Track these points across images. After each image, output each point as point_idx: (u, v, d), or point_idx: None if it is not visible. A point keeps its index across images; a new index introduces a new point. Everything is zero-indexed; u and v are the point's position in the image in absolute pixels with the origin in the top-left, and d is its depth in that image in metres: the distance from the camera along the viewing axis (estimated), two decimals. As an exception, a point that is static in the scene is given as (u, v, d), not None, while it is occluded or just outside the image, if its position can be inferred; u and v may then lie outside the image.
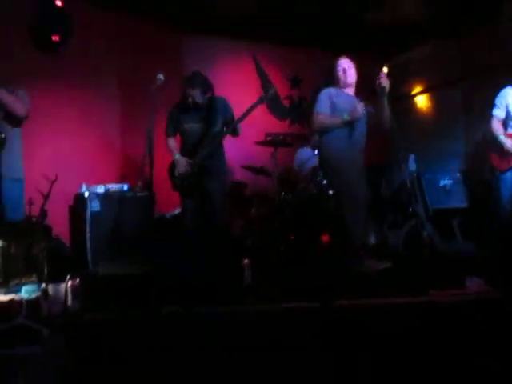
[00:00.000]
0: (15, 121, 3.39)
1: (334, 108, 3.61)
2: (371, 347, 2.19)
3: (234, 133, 3.85)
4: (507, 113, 3.87)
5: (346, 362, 2.15)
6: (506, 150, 3.79)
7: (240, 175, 5.19)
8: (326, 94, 3.65)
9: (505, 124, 3.90)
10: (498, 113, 3.90)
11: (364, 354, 2.16)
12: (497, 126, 3.88)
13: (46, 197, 3.67)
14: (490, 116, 3.92)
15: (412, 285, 2.87)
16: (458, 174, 4.62)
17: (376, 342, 2.21)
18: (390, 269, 3.49)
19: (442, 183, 4.63)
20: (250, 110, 3.70)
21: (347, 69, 3.63)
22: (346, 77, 3.61)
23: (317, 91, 3.80)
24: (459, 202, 4.53)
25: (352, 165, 3.58)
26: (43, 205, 3.63)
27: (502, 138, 3.84)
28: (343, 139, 3.57)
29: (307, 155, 4.79)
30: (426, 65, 5.75)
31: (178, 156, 3.77)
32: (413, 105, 6.05)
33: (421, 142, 5.33)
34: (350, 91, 3.69)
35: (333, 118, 3.58)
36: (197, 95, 3.68)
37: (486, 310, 2.38)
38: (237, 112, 3.86)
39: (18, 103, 3.34)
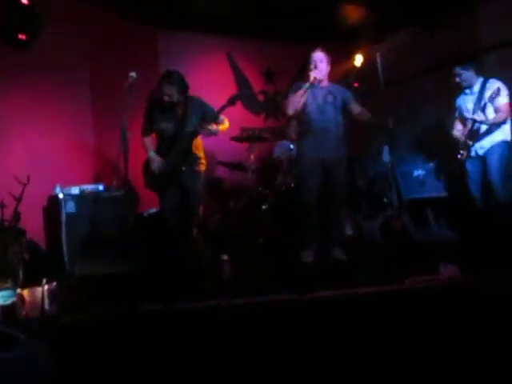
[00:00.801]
0: None
1: (304, 103, 3.65)
2: (351, 336, 2.23)
3: (210, 134, 3.84)
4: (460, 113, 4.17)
5: (327, 351, 2.18)
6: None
7: (217, 170, 5.19)
8: (297, 87, 3.70)
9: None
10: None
11: (344, 343, 2.20)
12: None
13: (19, 199, 3.60)
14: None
15: (388, 273, 2.93)
16: (431, 164, 4.72)
17: (355, 330, 2.25)
18: (367, 258, 3.55)
19: (415, 174, 4.73)
20: (221, 110, 3.71)
21: (318, 62, 3.66)
22: (316, 71, 3.62)
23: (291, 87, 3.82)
24: (433, 191, 4.64)
25: (307, 156, 3.66)
26: (16, 208, 3.56)
27: (454, 132, 4.15)
28: (309, 131, 3.67)
29: (284, 148, 4.82)
30: (399, 54, 5.82)
31: (152, 153, 3.73)
32: (386, 95, 6.11)
33: (394, 133, 5.40)
34: (323, 83, 3.73)
35: (297, 92, 3.63)
36: (174, 93, 3.64)
37: (459, 295, 2.45)
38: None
39: None
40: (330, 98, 3.69)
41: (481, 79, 4.04)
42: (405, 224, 3.96)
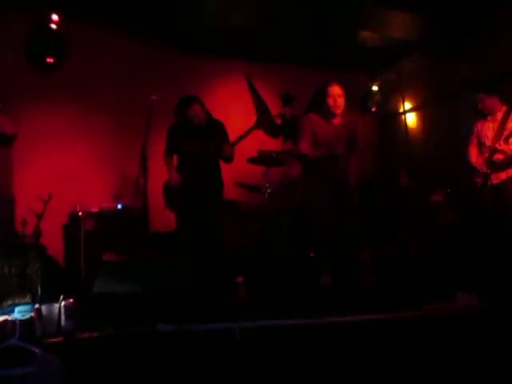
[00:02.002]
0: (4, 140, 3.39)
1: (315, 137, 3.66)
2: (366, 361, 2.20)
3: (227, 160, 3.89)
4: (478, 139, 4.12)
5: (340, 377, 2.16)
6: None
7: (234, 192, 5.23)
8: (308, 122, 3.72)
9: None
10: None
11: (359, 368, 2.18)
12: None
13: (40, 216, 3.68)
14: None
15: (405, 299, 2.89)
16: (449, 191, 4.68)
17: (369, 356, 2.23)
18: (384, 283, 3.51)
19: (432, 199, 4.70)
20: (243, 136, 3.77)
21: (337, 97, 3.62)
22: (335, 106, 3.62)
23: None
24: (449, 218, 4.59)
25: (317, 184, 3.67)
26: (37, 224, 3.64)
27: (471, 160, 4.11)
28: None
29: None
30: (415, 81, 5.85)
31: (173, 173, 3.80)
32: (404, 121, 6.11)
33: (412, 158, 5.40)
34: (336, 121, 3.71)
35: (314, 151, 3.64)
36: (200, 111, 3.72)
37: (475, 323, 2.41)
38: (231, 133, 3.93)
39: (5, 121, 3.35)
40: (342, 133, 3.68)
41: (504, 108, 3.97)
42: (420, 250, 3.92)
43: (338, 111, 3.63)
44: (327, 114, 3.66)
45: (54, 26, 4.19)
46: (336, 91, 3.63)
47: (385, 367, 2.21)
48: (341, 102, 3.63)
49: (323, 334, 2.40)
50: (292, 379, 2.18)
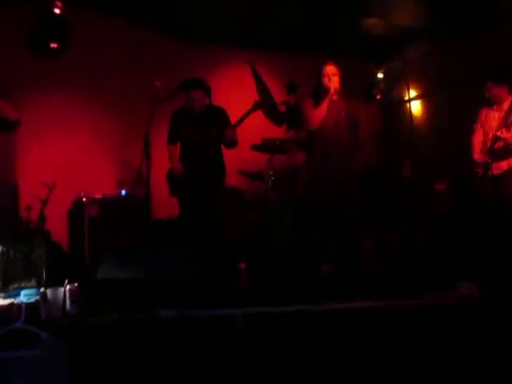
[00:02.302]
0: (7, 126, 3.39)
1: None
2: (368, 348, 2.22)
3: (230, 145, 3.88)
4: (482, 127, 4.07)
5: (341, 364, 2.18)
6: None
7: (236, 180, 5.24)
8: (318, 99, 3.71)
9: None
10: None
11: (358, 357, 2.20)
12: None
13: (45, 202, 3.71)
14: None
15: (407, 288, 2.91)
16: (452, 180, 4.67)
17: (371, 343, 2.25)
18: (387, 272, 3.53)
19: (435, 189, 4.69)
20: (243, 118, 3.75)
21: (331, 76, 3.65)
22: (329, 84, 3.63)
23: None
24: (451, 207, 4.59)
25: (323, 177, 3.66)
26: (42, 210, 3.67)
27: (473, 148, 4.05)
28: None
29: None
30: (420, 68, 5.79)
31: (176, 162, 3.81)
32: (409, 110, 6.07)
33: (416, 147, 5.38)
34: (334, 97, 3.69)
35: (321, 104, 3.63)
36: (201, 97, 3.71)
37: (475, 313, 2.43)
38: (234, 121, 3.92)
39: (7, 107, 3.34)
40: (343, 113, 3.68)
41: None
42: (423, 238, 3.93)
43: (333, 89, 3.62)
44: (323, 94, 3.65)
45: (57, 11, 4.16)
46: (331, 70, 3.67)
47: (386, 355, 2.24)
48: (335, 80, 3.64)
49: (325, 321, 2.42)
50: (294, 365, 2.21)
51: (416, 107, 5.97)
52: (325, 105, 3.62)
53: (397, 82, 5.88)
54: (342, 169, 3.64)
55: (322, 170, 3.68)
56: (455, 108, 5.18)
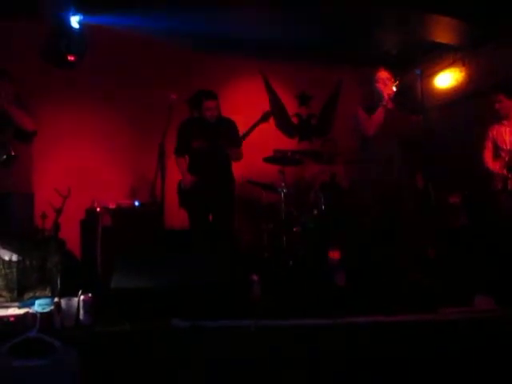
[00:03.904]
0: (25, 136, 3.45)
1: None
2: (381, 364, 2.19)
3: (235, 160, 3.88)
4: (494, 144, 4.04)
5: (353, 379, 2.16)
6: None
7: (249, 190, 5.24)
8: (368, 106, 3.58)
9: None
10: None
11: (374, 370, 2.17)
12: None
13: (59, 211, 3.74)
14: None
15: (421, 302, 2.87)
16: (466, 193, 4.63)
17: (383, 358, 2.22)
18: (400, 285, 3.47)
19: (449, 201, 4.65)
20: (251, 129, 3.78)
21: (387, 81, 3.49)
22: (384, 90, 3.46)
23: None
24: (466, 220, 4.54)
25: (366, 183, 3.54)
26: (56, 219, 3.70)
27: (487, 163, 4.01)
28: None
29: (316, 170, 4.85)
30: (436, 81, 5.79)
31: (185, 174, 3.82)
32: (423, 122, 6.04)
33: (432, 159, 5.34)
34: (389, 105, 3.53)
35: (376, 110, 3.45)
36: (215, 106, 3.74)
37: (493, 328, 2.39)
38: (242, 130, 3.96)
39: (26, 118, 3.40)
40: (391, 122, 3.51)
41: None
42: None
43: (386, 95, 3.43)
44: (376, 101, 3.47)
45: (75, 24, 4.24)
46: (384, 75, 3.51)
47: (398, 369, 2.20)
48: (389, 85, 3.46)
49: (336, 334, 2.40)
50: (304, 378, 2.19)
51: (430, 119, 5.94)
52: (380, 112, 3.43)
53: (412, 93, 5.87)
54: (395, 179, 3.47)
55: (367, 180, 3.54)
56: (470, 120, 5.16)
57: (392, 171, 3.46)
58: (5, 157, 3.26)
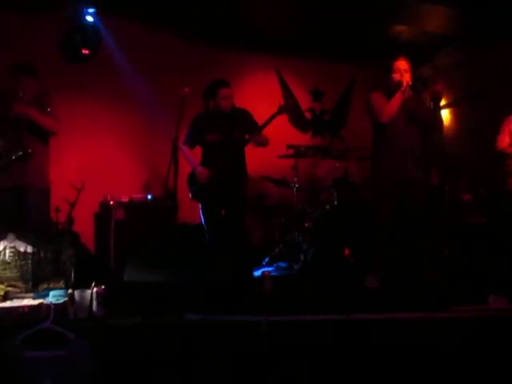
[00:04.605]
0: (43, 135, 3.50)
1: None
2: (391, 362, 2.18)
3: (262, 145, 3.83)
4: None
5: (365, 375, 2.15)
6: None
7: (261, 186, 5.24)
8: (383, 94, 3.46)
9: None
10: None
11: (384, 369, 2.16)
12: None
13: (73, 204, 3.78)
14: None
15: (434, 300, 2.85)
16: (481, 190, 4.57)
17: (395, 355, 2.21)
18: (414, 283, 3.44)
19: (462, 199, 4.60)
20: (268, 121, 3.72)
21: (404, 72, 3.37)
22: (402, 79, 3.34)
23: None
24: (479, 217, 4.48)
25: (389, 178, 3.39)
26: (70, 212, 3.74)
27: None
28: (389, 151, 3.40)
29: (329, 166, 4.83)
30: (450, 77, 5.71)
31: (198, 166, 3.80)
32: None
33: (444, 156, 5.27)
34: (407, 94, 3.37)
35: (393, 97, 3.31)
36: (231, 95, 3.70)
37: (507, 328, 2.36)
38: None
39: (50, 121, 3.46)
40: (414, 112, 3.39)
41: None
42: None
43: (405, 83, 3.29)
44: (395, 88, 3.34)
45: (90, 18, 4.26)
46: (402, 65, 3.38)
47: (410, 366, 2.19)
48: (407, 76, 3.34)
49: (348, 330, 2.39)
50: (316, 373, 2.18)
51: (445, 115, 5.87)
52: (398, 99, 3.29)
53: (426, 89, 5.80)
54: (410, 173, 3.37)
55: (388, 170, 3.38)
56: (484, 118, 5.09)
57: (407, 166, 3.38)
58: (21, 153, 3.30)
